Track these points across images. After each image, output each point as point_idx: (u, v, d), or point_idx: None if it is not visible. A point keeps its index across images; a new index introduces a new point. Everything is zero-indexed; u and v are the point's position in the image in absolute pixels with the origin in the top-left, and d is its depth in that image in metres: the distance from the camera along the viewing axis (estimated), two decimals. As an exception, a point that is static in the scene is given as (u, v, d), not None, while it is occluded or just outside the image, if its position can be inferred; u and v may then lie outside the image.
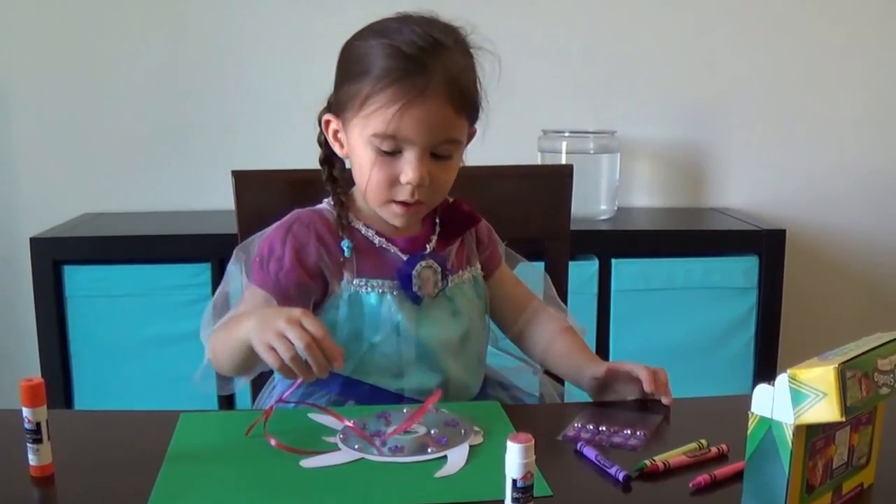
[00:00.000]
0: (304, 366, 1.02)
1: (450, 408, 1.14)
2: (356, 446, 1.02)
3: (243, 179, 1.42)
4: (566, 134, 2.47)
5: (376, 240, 1.26)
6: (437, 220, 1.31)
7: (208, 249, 2.17)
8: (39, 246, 2.19)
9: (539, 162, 2.46)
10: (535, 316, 1.38)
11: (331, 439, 1.05)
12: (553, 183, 1.52)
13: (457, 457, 1.00)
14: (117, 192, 2.54)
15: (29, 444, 0.95)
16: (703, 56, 2.61)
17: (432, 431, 1.05)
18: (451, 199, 1.33)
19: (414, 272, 1.23)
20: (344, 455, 1.00)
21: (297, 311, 1.04)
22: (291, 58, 2.46)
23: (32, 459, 0.96)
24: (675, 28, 2.59)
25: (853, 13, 2.61)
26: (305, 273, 1.22)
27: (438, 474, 0.96)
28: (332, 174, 1.28)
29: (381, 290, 1.24)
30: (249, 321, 1.07)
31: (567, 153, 2.44)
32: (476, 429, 1.07)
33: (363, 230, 1.27)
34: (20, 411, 0.96)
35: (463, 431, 1.06)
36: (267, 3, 2.49)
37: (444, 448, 1.01)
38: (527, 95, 2.54)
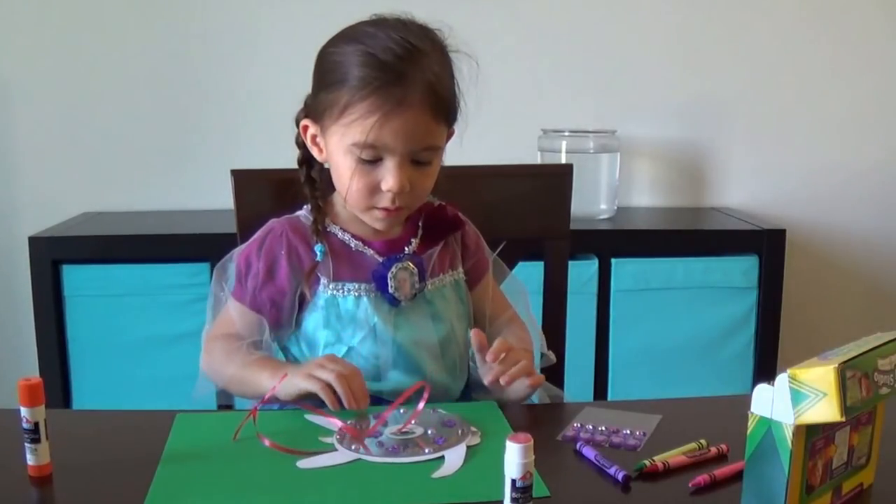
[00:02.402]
0: (346, 389, 1.09)
1: (446, 408, 1.14)
2: (353, 447, 1.02)
3: (242, 179, 1.42)
4: (566, 133, 2.46)
5: (353, 243, 1.27)
6: (420, 224, 1.31)
7: (207, 249, 2.16)
8: (38, 245, 2.19)
9: (539, 161, 2.46)
10: (500, 329, 1.35)
11: (327, 439, 1.04)
12: (553, 182, 1.52)
13: (454, 457, 0.99)
14: (116, 192, 2.54)
15: (27, 444, 0.95)
16: (703, 55, 2.60)
17: (429, 431, 1.05)
18: (436, 203, 1.33)
19: (389, 274, 1.23)
20: (340, 455, 1.00)
21: (330, 354, 1.18)
22: (291, 57, 2.44)
23: (30, 459, 0.96)
24: (676, 27, 2.59)
25: (852, 13, 2.61)
26: (278, 288, 1.25)
27: (436, 475, 0.96)
28: (310, 175, 1.29)
29: (357, 293, 1.24)
30: (280, 370, 1.16)
31: (567, 152, 2.44)
32: (473, 429, 1.07)
33: (340, 234, 1.28)
34: (18, 411, 0.96)
35: (460, 432, 1.05)
36: (266, 4, 2.49)
37: (441, 448, 1.01)
38: (526, 94, 2.55)
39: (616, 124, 2.52)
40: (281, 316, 1.25)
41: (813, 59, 2.62)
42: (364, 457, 0.99)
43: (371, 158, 1.18)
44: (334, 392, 1.10)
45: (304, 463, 0.98)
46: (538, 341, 1.38)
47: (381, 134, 1.15)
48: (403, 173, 1.18)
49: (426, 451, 1.01)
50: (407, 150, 1.17)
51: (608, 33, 2.58)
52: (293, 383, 1.12)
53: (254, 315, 1.24)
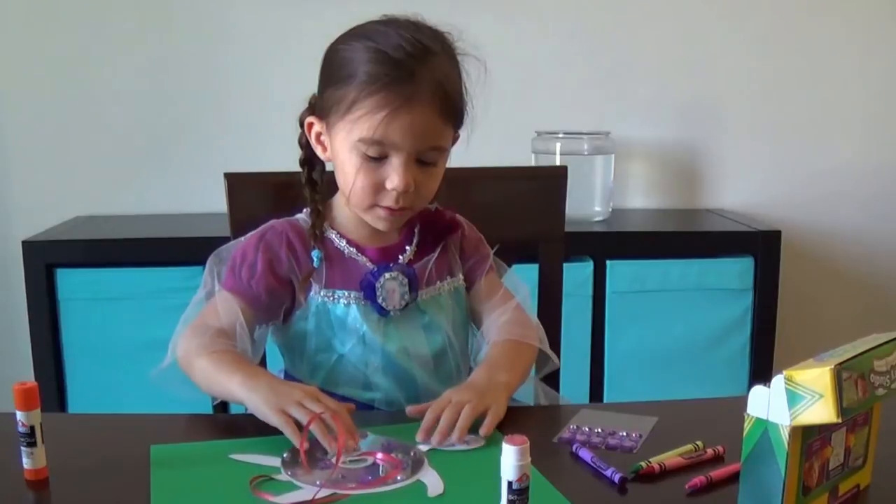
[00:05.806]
0: (324, 431, 1.01)
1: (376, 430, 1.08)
2: (318, 482, 0.93)
3: (235, 182, 1.42)
4: (560, 135, 2.46)
5: (346, 250, 1.26)
6: (417, 230, 1.29)
7: (201, 252, 2.12)
8: (32, 249, 2.18)
9: (533, 163, 2.46)
10: (498, 321, 1.30)
11: (280, 477, 0.96)
12: (547, 184, 1.52)
13: (431, 478, 0.96)
14: (109, 195, 2.53)
15: (23, 448, 0.95)
16: (697, 57, 2.61)
17: (379, 456, 1.01)
18: (433, 208, 1.31)
19: (378, 283, 1.22)
20: (309, 492, 0.92)
21: (312, 388, 1.08)
22: (283, 60, 2.45)
23: (26, 463, 0.96)
24: (670, 29, 2.59)
25: (849, 14, 2.61)
26: (276, 280, 1.23)
27: (432, 493, 0.92)
28: (311, 176, 1.28)
29: (346, 301, 1.23)
30: (253, 384, 1.08)
31: (561, 154, 2.44)
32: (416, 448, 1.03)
33: (336, 240, 1.26)
34: (14, 415, 0.95)
35: (413, 453, 1.02)
36: (257, 6, 2.48)
37: (413, 471, 0.97)
38: (520, 96, 2.54)
39: (610, 126, 2.53)
40: (271, 310, 1.24)
41: (808, 60, 2.63)
42: (339, 490, 0.92)
43: (377, 155, 1.16)
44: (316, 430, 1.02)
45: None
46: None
47: (388, 131, 1.14)
48: (409, 172, 1.16)
49: (398, 478, 0.96)
50: (413, 148, 1.16)
51: (602, 35, 2.58)
52: (261, 412, 1.05)
53: (242, 305, 1.21)
